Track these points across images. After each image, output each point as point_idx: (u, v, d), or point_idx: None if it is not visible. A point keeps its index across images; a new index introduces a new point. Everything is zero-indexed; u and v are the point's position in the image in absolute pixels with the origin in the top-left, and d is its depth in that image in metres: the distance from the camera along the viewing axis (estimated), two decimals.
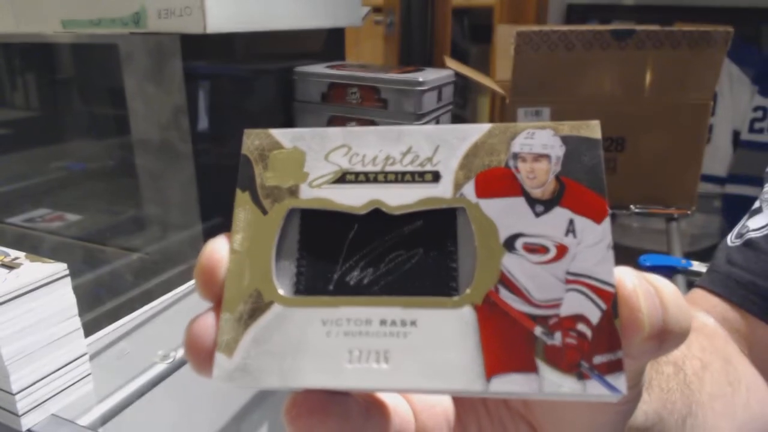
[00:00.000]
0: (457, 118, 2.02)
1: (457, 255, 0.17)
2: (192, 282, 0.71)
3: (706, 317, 0.41)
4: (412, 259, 0.17)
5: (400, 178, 0.18)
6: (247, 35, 0.81)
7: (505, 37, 1.07)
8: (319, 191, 0.18)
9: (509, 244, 0.16)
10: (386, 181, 0.18)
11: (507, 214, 0.17)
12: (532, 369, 0.15)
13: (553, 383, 0.15)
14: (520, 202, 0.17)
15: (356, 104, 0.87)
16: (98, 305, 0.68)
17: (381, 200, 0.17)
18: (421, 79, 0.83)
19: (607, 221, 0.16)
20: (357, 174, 0.18)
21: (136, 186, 0.82)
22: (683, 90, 0.98)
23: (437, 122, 0.91)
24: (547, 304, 0.16)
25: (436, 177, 0.17)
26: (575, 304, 0.16)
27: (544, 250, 0.16)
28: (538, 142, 0.17)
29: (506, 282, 0.16)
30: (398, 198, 0.17)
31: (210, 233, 0.82)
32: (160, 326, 0.66)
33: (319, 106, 0.89)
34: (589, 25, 1.28)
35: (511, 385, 0.15)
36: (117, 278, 0.81)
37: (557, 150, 0.17)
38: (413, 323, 0.16)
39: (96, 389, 0.52)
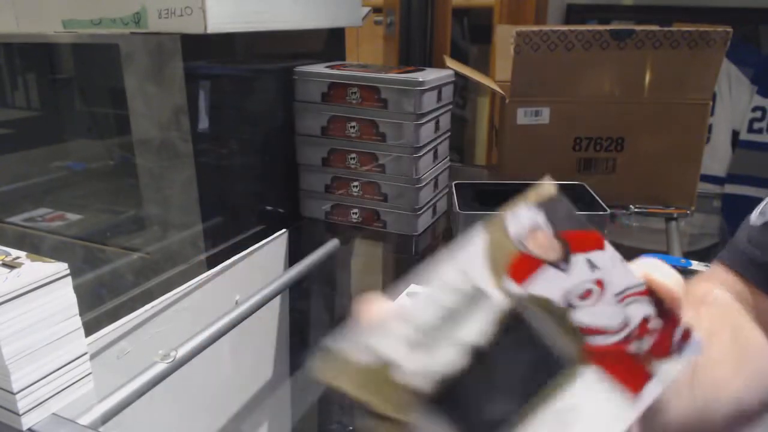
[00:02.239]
0: (457, 118, 2.03)
1: (543, 335, 0.19)
2: (192, 281, 0.71)
3: (722, 292, 0.41)
4: (521, 368, 0.19)
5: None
6: (247, 35, 0.81)
7: (505, 37, 1.07)
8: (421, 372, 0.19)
9: (566, 303, 0.19)
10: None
11: (547, 284, 0.19)
12: (649, 376, 0.19)
13: (669, 372, 0.19)
14: (548, 269, 0.19)
15: (356, 104, 0.87)
16: (98, 305, 0.68)
17: (469, 342, 0.19)
18: (421, 79, 0.83)
19: (607, 244, 0.19)
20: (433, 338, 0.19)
21: (136, 186, 0.82)
22: (682, 90, 0.98)
23: (437, 122, 0.91)
24: (622, 325, 0.19)
25: (480, 294, 0.19)
26: (636, 312, 0.19)
27: (589, 292, 0.19)
28: (525, 220, 0.19)
29: (587, 331, 0.19)
30: (476, 330, 0.19)
31: (210, 233, 0.82)
32: (160, 326, 0.66)
33: (319, 106, 0.89)
34: (589, 25, 1.28)
35: (649, 396, 0.19)
36: (117, 278, 0.81)
37: (541, 217, 0.19)
38: (573, 409, 0.19)
39: (96, 388, 0.52)
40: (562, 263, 0.19)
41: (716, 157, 1.60)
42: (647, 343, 0.19)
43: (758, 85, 1.56)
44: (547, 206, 0.19)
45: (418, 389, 0.19)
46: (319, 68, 0.91)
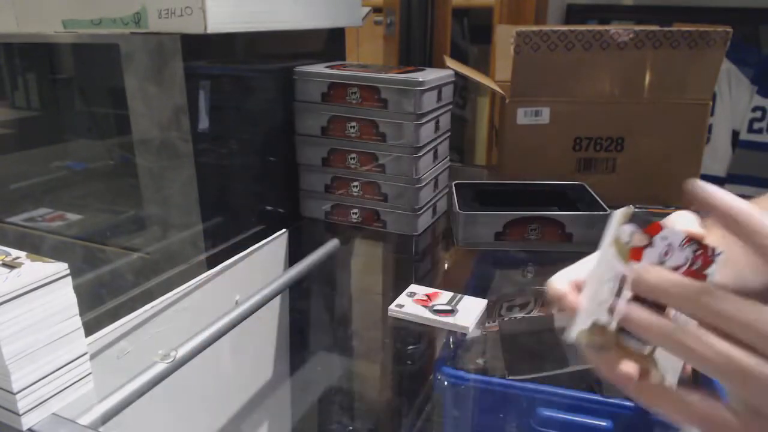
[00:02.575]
0: (457, 118, 2.03)
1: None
2: (192, 281, 0.71)
3: None
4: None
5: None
6: (247, 35, 0.81)
7: (505, 37, 1.07)
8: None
9: (661, 262, 0.35)
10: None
11: (650, 257, 0.35)
12: (706, 277, 0.34)
13: (714, 272, 0.34)
14: (647, 250, 0.35)
15: (356, 104, 0.87)
16: (98, 305, 0.68)
17: (629, 295, 0.35)
18: (421, 79, 0.83)
19: (662, 225, 0.34)
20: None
21: (136, 186, 0.82)
22: (682, 90, 0.98)
23: (437, 122, 0.91)
24: (687, 260, 0.34)
25: (624, 275, 0.35)
26: (690, 250, 0.34)
27: (667, 252, 0.35)
28: (626, 232, 0.35)
29: (675, 270, 0.34)
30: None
31: (210, 233, 0.82)
32: (160, 326, 0.66)
33: (319, 106, 0.89)
34: (589, 25, 1.28)
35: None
36: (117, 278, 0.81)
37: (632, 226, 0.35)
38: None
39: (96, 389, 0.52)
40: (651, 245, 0.35)
41: (716, 157, 1.61)
42: (700, 262, 0.34)
43: (758, 85, 1.56)
44: (631, 219, 0.35)
45: (617, 326, 0.35)
46: (319, 68, 0.91)
